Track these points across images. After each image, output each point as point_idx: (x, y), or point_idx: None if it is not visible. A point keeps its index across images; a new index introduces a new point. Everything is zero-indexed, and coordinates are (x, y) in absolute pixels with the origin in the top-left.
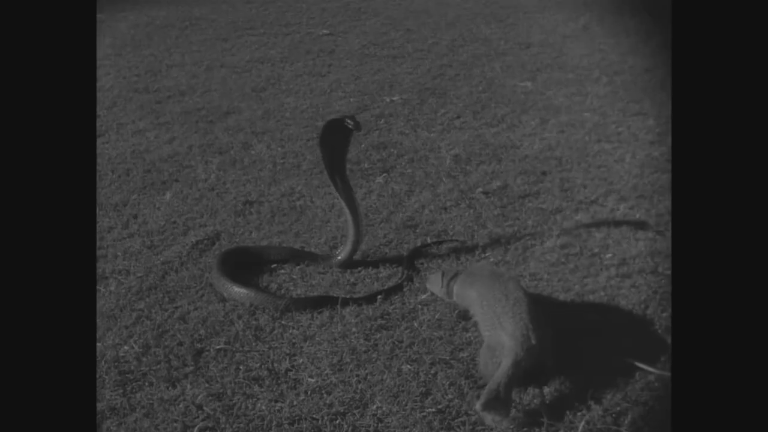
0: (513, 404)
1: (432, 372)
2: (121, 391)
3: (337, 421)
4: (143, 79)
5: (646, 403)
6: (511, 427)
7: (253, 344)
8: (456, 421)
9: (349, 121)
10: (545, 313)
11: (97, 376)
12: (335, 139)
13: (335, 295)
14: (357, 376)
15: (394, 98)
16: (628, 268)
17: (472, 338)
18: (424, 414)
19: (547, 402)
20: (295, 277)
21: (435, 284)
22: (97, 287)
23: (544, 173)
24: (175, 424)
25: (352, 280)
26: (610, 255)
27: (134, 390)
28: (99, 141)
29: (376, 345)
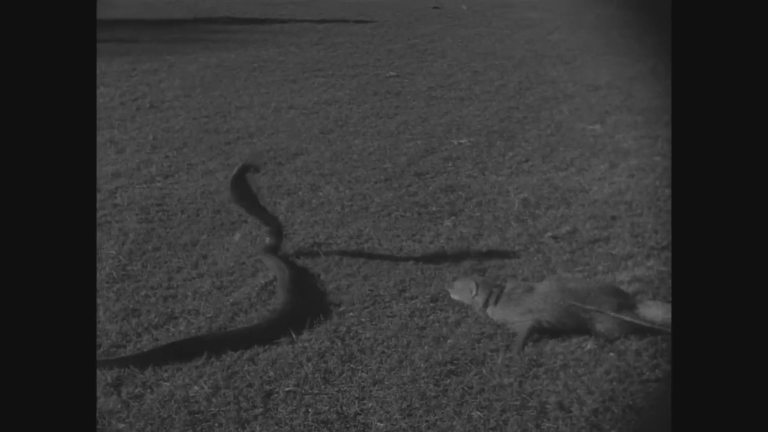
0: None
1: (503, 419)
2: (190, 431)
3: None
4: (213, 120)
5: None
6: None
7: (322, 387)
8: None
9: None
10: None
11: (167, 415)
12: None
13: None
14: (426, 422)
15: (462, 141)
16: None
17: (542, 385)
18: None
19: None
20: (363, 320)
21: (463, 292)
22: (167, 327)
23: (613, 218)
24: None
25: (421, 324)
26: None
27: (204, 430)
28: (168, 181)
29: (446, 390)
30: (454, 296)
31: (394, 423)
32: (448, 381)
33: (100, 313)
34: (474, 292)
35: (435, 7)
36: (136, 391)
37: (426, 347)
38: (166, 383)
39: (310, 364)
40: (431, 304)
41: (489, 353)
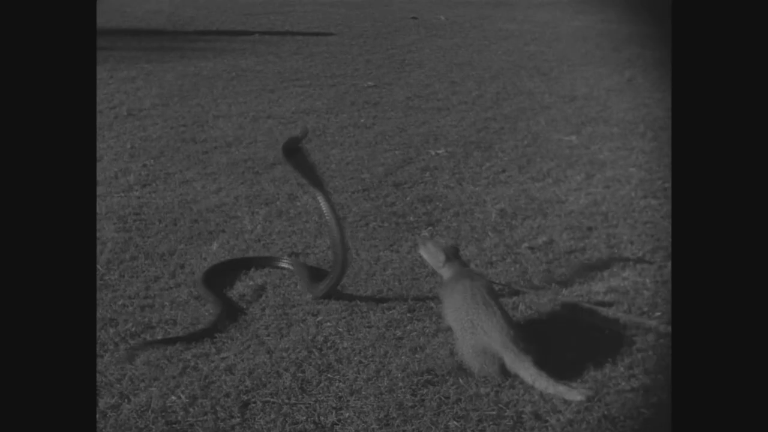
0: None
1: (479, 428)
2: None
3: None
4: (190, 129)
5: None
6: None
7: (300, 397)
8: None
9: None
10: None
11: (144, 425)
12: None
13: None
14: (404, 431)
15: (439, 151)
16: None
17: (519, 395)
18: None
19: None
20: (341, 330)
21: (434, 257)
22: (144, 336)
23: (590, 229)
24: None
25: (398, 334)
26: (659, 313)
27: None
28: (146, 190)
29: (423, 400)
30: (423, 254)
31: None
32: (425, 391)
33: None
34: (442, 261)
35: (413, 18)
36: (113, 401)
37: (403, 357)
38: (143, 393)
39: (287, 374)
40: (408, 315)
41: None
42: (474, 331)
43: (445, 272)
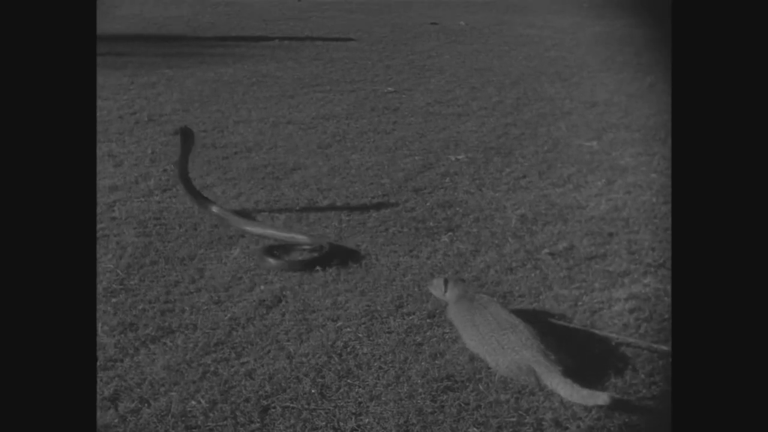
0: None
1: None
2: None
3: None
4: (210, 134)
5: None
6: None
7: (319, 402)
8: None
9: None
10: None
11: (164, 430)
12: None
13: None
14: None
15: (459, 157)
16: None
17: (539, 402)
18: None
19: None
20: (361, 335)
21: (437, 288)
22: (164, 341)
23: (611, 234)
24: None
25: (418, 339)
26: None
27: None
28: (166, 195)
29: (443, 407)
30: (432, 291)
31: None
32: (445, 397)
33: (98, 327)
34: (443, 289)
35: (433, 24)
36: (133, 405)
37: (423, 363)
38: (163, 398)
39: (307, 380)
40: (428, 320)
41: (486, 369)
42: (504, 352)
43: (449, 297)
